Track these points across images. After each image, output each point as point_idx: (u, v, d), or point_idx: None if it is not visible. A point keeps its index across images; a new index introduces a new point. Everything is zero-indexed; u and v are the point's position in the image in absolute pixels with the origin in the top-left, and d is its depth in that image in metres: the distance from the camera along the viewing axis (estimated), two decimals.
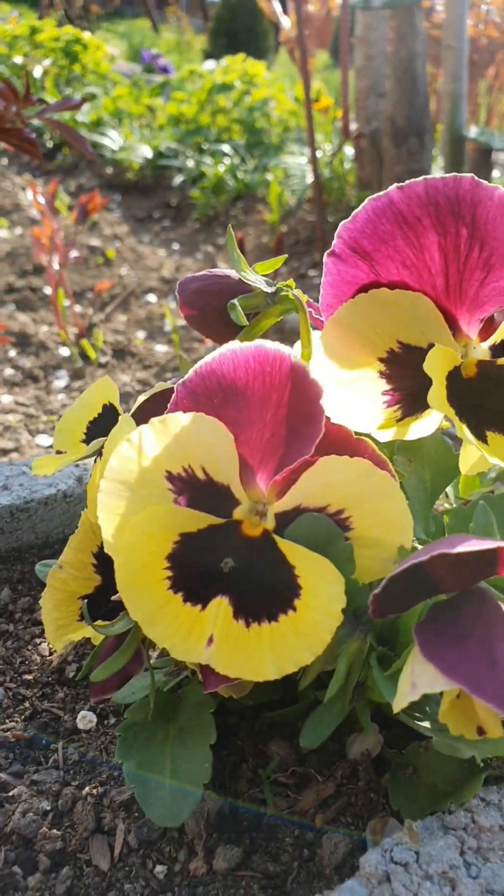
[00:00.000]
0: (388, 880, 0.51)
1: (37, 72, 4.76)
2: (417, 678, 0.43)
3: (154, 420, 0.55)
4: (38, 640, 0.79)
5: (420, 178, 0.54)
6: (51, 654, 0.78)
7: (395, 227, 0.55)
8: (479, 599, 0.46)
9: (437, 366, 0.53)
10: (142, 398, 0.66)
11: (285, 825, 0.62)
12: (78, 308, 2.14)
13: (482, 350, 0.59)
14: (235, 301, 0.67)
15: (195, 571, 0.54)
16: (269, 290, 0.68)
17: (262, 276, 0.71)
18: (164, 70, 5.40)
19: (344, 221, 0.56)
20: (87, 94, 4.63)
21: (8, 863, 0.59)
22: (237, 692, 0.60)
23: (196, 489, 0.56)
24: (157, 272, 2.49)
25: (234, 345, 0.57)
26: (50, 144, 4.14)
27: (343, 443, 0.58)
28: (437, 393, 0.52)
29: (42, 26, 5.22)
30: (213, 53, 4.86)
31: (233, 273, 0.69)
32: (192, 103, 4.00)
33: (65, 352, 1.86)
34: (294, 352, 0.54)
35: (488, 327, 0.59)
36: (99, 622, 0.58)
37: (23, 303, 2.20)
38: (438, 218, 0.54)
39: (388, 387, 0.59)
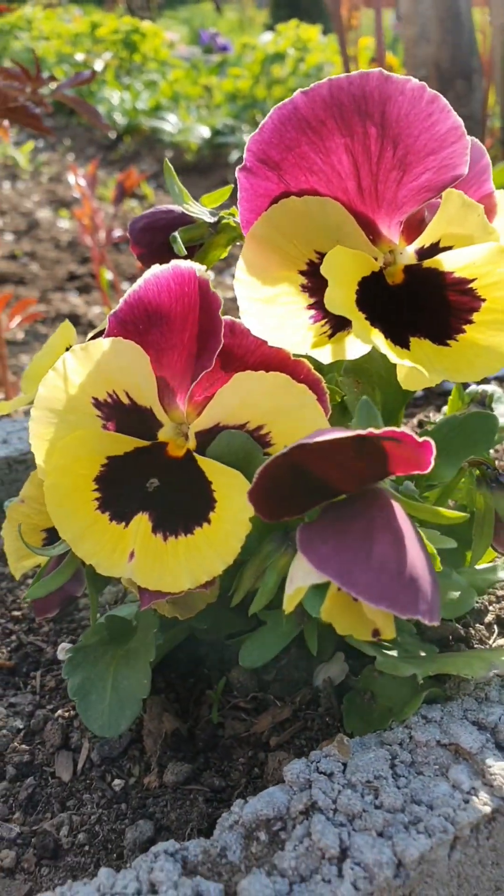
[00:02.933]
0: (309, 787, 0.51)
1: (98, 65, 4.86)
2: (293, 573, 0.43)
3: (76, 347, 0.56)
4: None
5: (326, 79, 0.53)
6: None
7: (300, 132, 0.53)
8: (372, 498, 0.45)
9: (334, 267, 0.51)
10: (91, 334, 0.68)
11: (240, 747, 0.63)
12: (125, 286, 2.19)
13: (408, 255, 0.56)
14: (176, 233, 0.67)
15: (121, 492, 0.56)
16: (212, 220, 0.69)
17: (209, 208, 0.71)
18: (223, 49, 5.39)
19: (252, 134, 0.55)
20: (147, 81, 4.69)
21: None
22: (182, 613, 0.61)
23: (122, 414, 0.57)
24: None
25: (155, 268, 0.57)
26: (113, 136, 4.23)
27: (280, 366, 0.57)
28: (335, 295, 0.50)
29: (101, 21, 5.33)
30: (273, 26, 4.80)
31: (178, 208, 0.69)
32: (247, 77, 3.98)
33: None
34: (201, 267, 0.55)
35: (415, 230, 0.57)
36: (40, 547, 0.60)
37: (84, 289, 2.29)
38: (343, 118, 0.53)
39: (311, 300, 0.57)
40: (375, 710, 0.61)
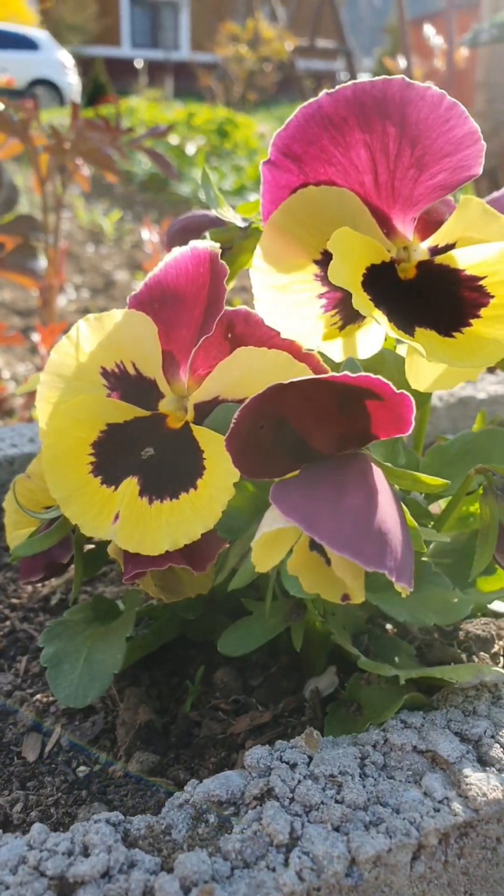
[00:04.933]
0: (268, 774, 0.48)
1: (191, 149, 5.19)
2: (262, 522, 0.42)
3: (90, 316, 0.58)
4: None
5: (351, 82, 0.55)
6: (43, 586, 0.81)
7: (322, 128, 0.55)
8: (351, 459, 0.44)
9: (340, 242, 0.52)
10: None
11: (214, 747, 0.60)
12: None
13: (422, 251, 0.57)
14: (206, 233, 0.70)
15: (116, 458, 0.56)
16: (243, 224, 0.71)
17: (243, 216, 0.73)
18: None
19: (278, 130, 0.58)
20: (235, 165, 4.97)
21: None
22: (168, 596, 0.60)
23: (127, 384, 0.58)
24: None
25: (175, 251, 0.59)
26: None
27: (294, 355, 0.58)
28: (339, 269, 0.51)
29: (198, 111, 5.72)
30: None
31: (213, 213, 0.72)
32: None
33: None
34: (213, 244, 0.56)
35: (427, 227, 0.57)
36: (34, 510, 0.60)
37: None
38: (364, 117, 0.54)
39: (323, 289, 0.58)
40: (359, 721, 0.58)
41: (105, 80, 10.78)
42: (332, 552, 0.39)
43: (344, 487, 0.41)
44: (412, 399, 0.41)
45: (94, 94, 10.46)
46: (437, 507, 0.71)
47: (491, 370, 1.42)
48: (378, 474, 0.43)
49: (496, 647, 0.67)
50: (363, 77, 0.69)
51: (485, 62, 2.57)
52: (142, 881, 0.41)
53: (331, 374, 0.41)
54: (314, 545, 0.45)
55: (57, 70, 12.69)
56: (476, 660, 0.65)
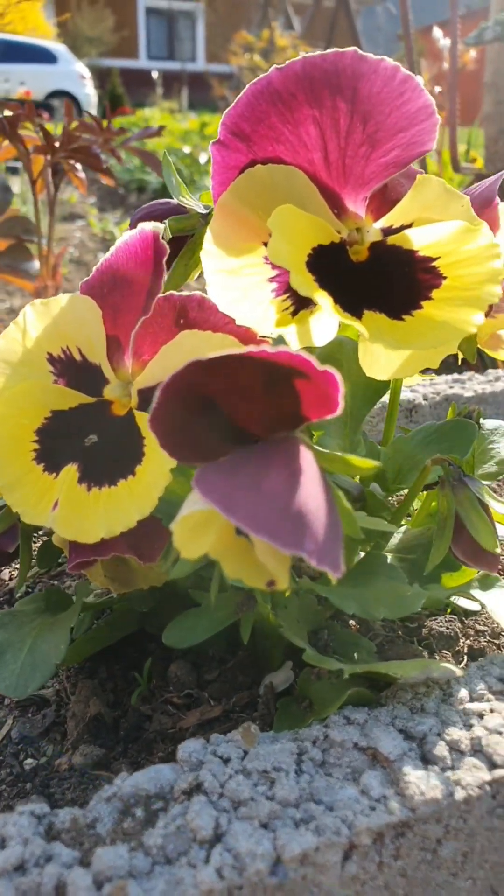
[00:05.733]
0: (199, 768, 0.46)
1: (202, 158, 5.20)
2: (183, 506, 0.40)
3: (36, 301, 0.57)
4: (2, 569, 0.82)
5: (302, 56, 0.54)
6: (10, 579, 0.81)
7: (270, 105, 0.54)
8: (280, 442, 0.42)
9: (281, 219, 0.50)
10: None
11: (162, 741, 0.58)
12: None
13: (374, 231, 0.55)
14: (165, 221, 0.69)
15: (59, 445, 0.55)
16: (204, 211, 0.70)
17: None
18: None
19: (227, 109, 0.56)
20: None
21: None
22: (116, 588, 0.59)
23: (73, 370, 0.57)
24: None
25: (125, 235, 0.58)
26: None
27: (246, 343, 0.57)
28: (280, 248, 0.49)
29: (211, 121, 5.74)
30: None
31: (175, 201, 0.71)
32: None
33: None
34: (159, 225, 0.55)
35: (380, 207, 0.56)
36: None
37: None
38: (313, 92, 0.53)
39: (273, 273, 0.57)
40: (309, 716, 0.56)
41: (121, 92, 10.88)
42: (251, 535, 0.37)
43: (267, 470, 0.39)
44: (338, 377, 0.39)
45: (111, 105, 10.56)
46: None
47: (474, 368, 1.40)
48: (307, 458, 0.42)
49: (459, 645, 0.65)
50: None
51: (493, 63, 2.55)
52: (55, 875, 0.39)
53: (249, 349, 0.39)
54: (240, 530, 0.43)
55: (74, 82, 12.83)
56: (437, 657, 0.63)
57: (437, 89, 3.01)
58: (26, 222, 1.58)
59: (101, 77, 14.06)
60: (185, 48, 22.08)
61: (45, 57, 13.11)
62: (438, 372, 1.34)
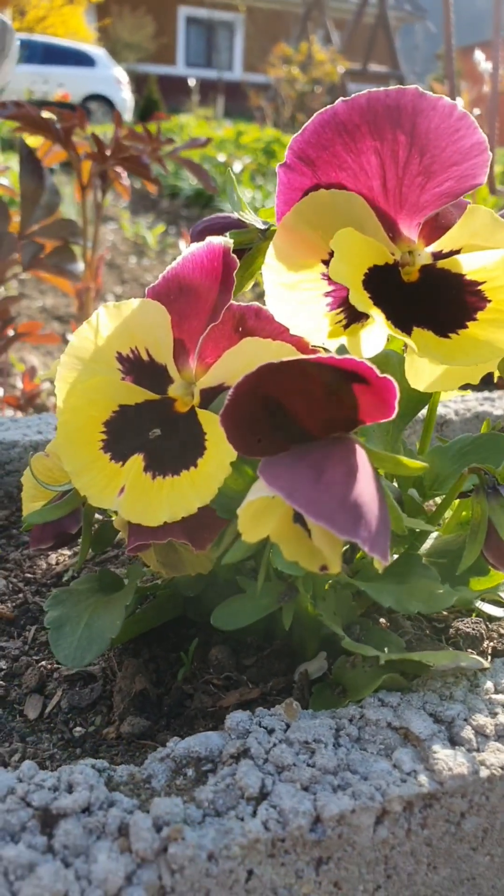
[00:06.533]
0: (246, 736, 0.50)
1: (237, 167, 5.28)
2: (248, 493, 0.45)
3: (109, 304, 0.62)
4: (49, 552, 0.87)
5: (367, 91, 0.59)
6: (57, 563, 0.85)
7: (336, 134, 0.59)
8: (337, 440, 0.47)
9: (342, 241, 0.55)
10: None
11: (203, 718, 0.62)
12: None
13: (425, 255, 0.60)
14: (227, 234, 0.74)
15: (125, 437, 0.60)
16: (263, 227, 0.75)
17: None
18: None
19: (294, 135, 0.61)
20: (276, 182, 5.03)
21: None
22: (167, 572, 0.63)
23: (139, 369, 0.62)
24: None
25: (192, 246, 0.63)
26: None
27: (301, 351, 0.61)
28: (339, 267, 0.54)
29: (247, 130, 5.82)
30: None
31: (235, 215, 0.76)
32: None
33: None
34: (227, 240, 0.60)
35: (431, 233, 0.60)
36: (47, 481, 0.64)
37: None
38: (376, 124, 0.58)
39: (329, 288, 0.61)
40: (342, 702, 0.60)
41: (158, 97, 11.02)
42: (310, 520, 0.42)
43: (326, 463, 0.44)
44: (396, 384, 0.44)
45: (146, 111, 10.70)
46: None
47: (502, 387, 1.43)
48: (362, 456, 0.46)
49: (484, 646, 0.69)
50: None
51: None
52: (118, 817, 0.44)
53: (318, 355, 0.44)
54: (297, 517, 0.48)
55: (111, 86, 13.02)
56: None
57: (476, 111, 3.06)
58: (73, 225, 1.64)
59: (139, 82, 14.23)
60: (223, 57, 22.32)
61: (84, 60, 13.32)
62: (470, 389, 1.38)
